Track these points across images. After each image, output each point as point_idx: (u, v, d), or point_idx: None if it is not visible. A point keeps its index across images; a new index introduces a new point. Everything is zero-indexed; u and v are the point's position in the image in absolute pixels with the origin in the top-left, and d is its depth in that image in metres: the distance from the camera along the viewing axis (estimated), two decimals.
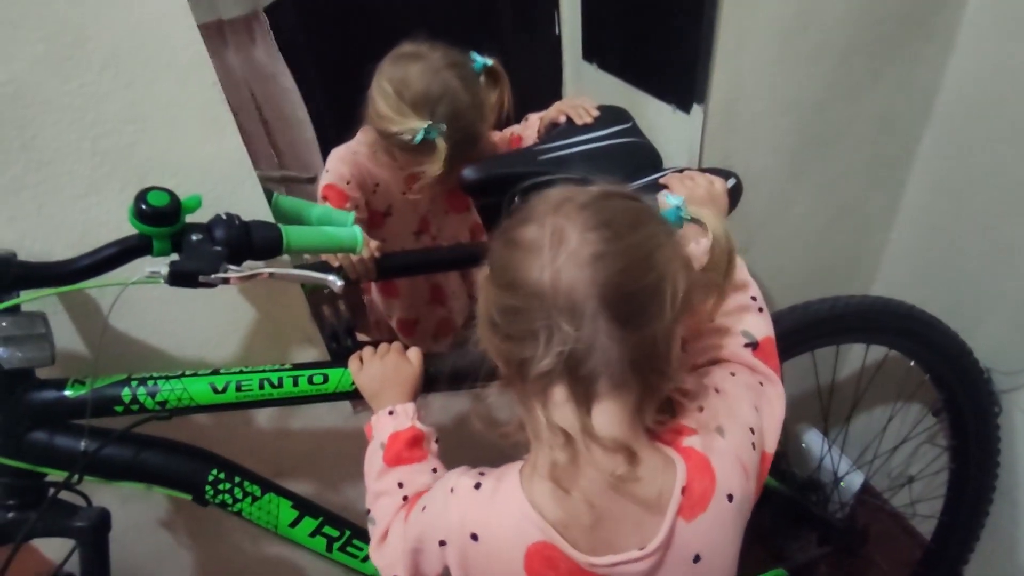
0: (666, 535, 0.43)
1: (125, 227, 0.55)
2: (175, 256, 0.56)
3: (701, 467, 0.46)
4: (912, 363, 0.97)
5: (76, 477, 0.60)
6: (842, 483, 1.19)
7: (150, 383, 0.61)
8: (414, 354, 0.67)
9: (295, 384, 0.64)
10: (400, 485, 0.56)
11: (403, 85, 0.76)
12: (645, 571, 0.44)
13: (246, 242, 0.58)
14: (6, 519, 0.59)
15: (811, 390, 1.14)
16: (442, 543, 0.48)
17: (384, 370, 0.65)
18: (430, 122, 0.74)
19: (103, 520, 0.63)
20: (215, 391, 0.62)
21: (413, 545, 0.50)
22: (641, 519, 0.44)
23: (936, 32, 0.88)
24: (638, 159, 0.84)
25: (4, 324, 0.52)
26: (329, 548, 0.71)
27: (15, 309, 0.54)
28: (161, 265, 0.53)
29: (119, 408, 0.60)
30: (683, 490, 0.44)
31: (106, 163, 0.58)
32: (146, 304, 0.66)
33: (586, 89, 1.05)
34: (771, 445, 0.52)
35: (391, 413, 0.61)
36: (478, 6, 1.07)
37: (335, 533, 0.71)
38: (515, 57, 0.97)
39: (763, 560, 1.00)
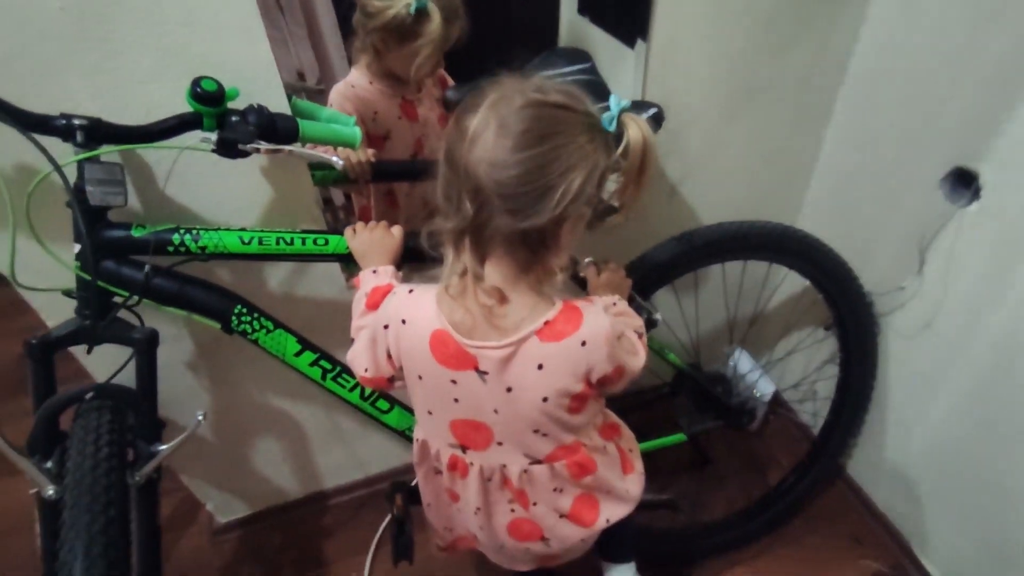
0: (517, 340, 0.62)
1: (178, 109, 0.73)
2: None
3: (572, 316, 0.64)
4: (808, 283, 1.18)
5: (136, 298, 0.80)
6: (755, 391, 1.42)
7: (194, 231, 0.80)
8: (397, 230, 0.86)
9: (303, 243, 0.83)
10: None
11: None
12: (501, 357, 0.63)
13: (271, 127, 0.76)
14: (83, 326, 0.79)
15: (729, 305, 1.36)
16: (385, 327, 0.68)
17: (372, 239, 0.84)
18: None
19: (154, 336, 0.84)
20: (242, 242, 0.81)
21: (369, 336, 0.71)
22: (500, 335, 0.63)
23: (842, 10, 1.04)
24: (593, 95, 1.02)
25: (93, 169, 0.70)
26: (323, 377, 0.91)
27: (98, 159, 0.72)
28: (210, 136, 0.71)
29: (170, 248, 0.79)
30: (546, 322, 0.63)
31: (166, 57, 0.75)
32: (190, 176, 0.85)
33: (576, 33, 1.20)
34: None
35: (375, 272, 0.80)
36: None
37: (328, 366, 0.92)
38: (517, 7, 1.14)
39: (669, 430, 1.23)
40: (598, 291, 0.86)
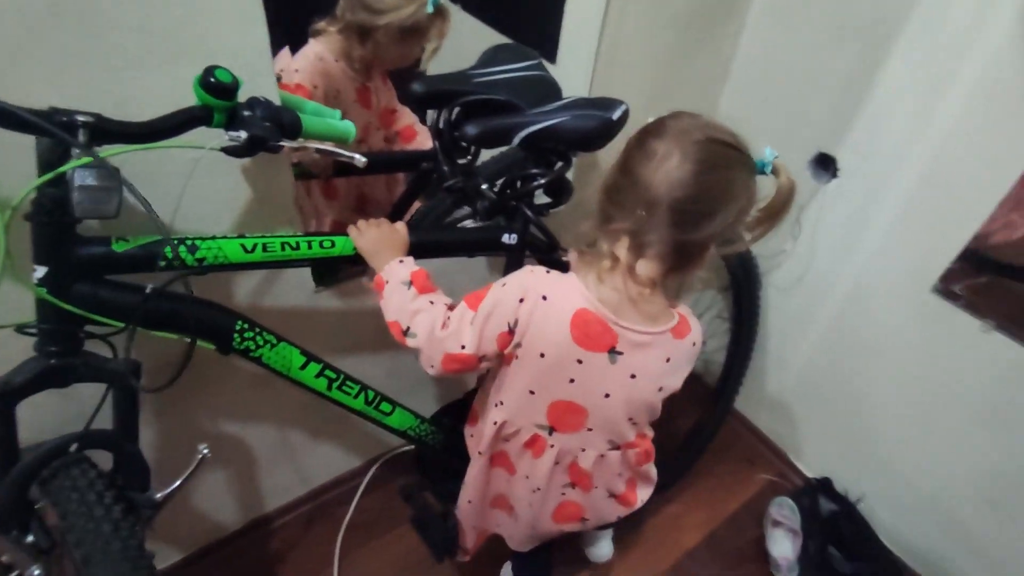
0: (659, 332, 0.72)
1: (159, 101, 0.64)
2: (221, 131, 0.66)
3: (685, 319, 0.76)
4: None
5: (122, 326, 0.68)
6: None
7: (188, 242, 0.70)
8: (401, 226, 0.85)
9: (309, 247, 0.78)
10: (432, 303, 0.76)
11: None
12: (639, 342, 0.72)
13: (278, 122, 0.70)
14: (49, 365, 0.65)
15: None
16: (521, 300, 0.71)
17: (380, 235, 0.82)
18: None
19: (137, 367, 0.72)
20: (245, 251, 0.73)
21: (486, 312, 0.72)
22: (644, 321, 0.71)
23: (733, 15, 1.25)
24: (544, 89, 1.07)
25: (85, 174, 0.58)
26: (329, 387, 0.86)
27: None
28: (239, 135, 0.64)
29: (162, 263, 0.69)
30: (674, 326, 0.73)
31: (150, 40, 0.65)
32: (160, 179, 0.73)
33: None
34: None
35: (401, 261, 0.79)
36: None
37: (333, 375, 0.87)
38: None
39: None
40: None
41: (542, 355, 0.72)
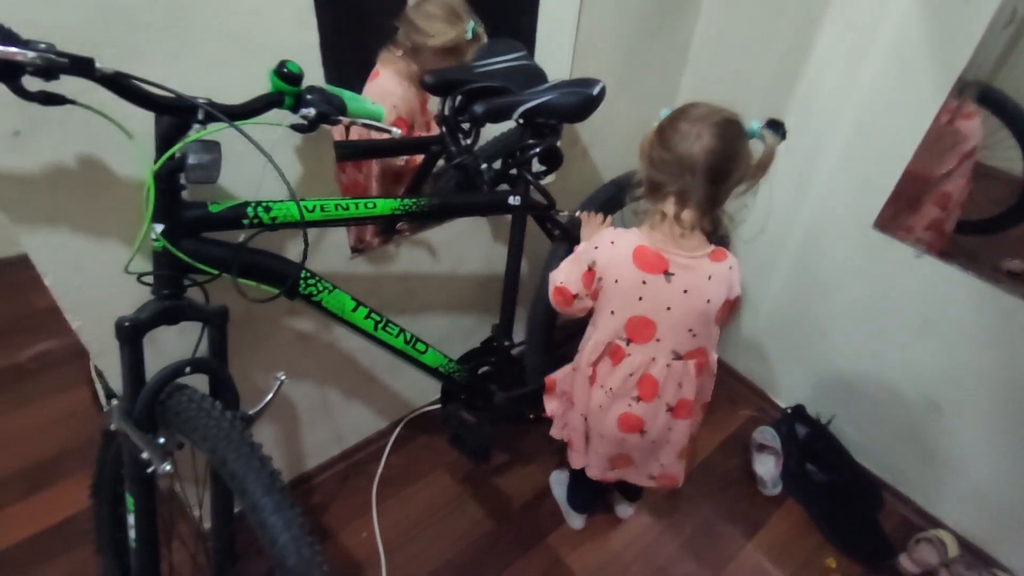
0: (699, 256, 0.95)
1: (239, 91, 0.81)
2: (286, 112, 0.84)
3: (721, 250, 0.98)
4: None
5: (216, 273, 0.84)
6: None
7: (264, 204, 0.87)
8: (606, 219, 1.16)
9: (356, 208, 0.95)
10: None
11: (443, 8, 1.15)
12: (685, 265, 0.95)
13: (332, 104, 0.88)
14: (164, 305, 0.82)
15: None
16: (596, 247, 0.99)
17: (595, 224, 1.15)
18: (472, 22, 1.16)
19: (226, 311, 0.89)
20: (307, 211, 0.91)
21: (574, 258, 1.04)
22: (687, 252, 0.95)
23: (689, 9, 1.46)
24: (532, 75, 1.26)
25: (195, 147, 0.75)
26: (375, 328, 1.04)
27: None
28: (309, 112, 0.81)
29: (245, 221, 0.85)
30: (711, 252, 0.96)
31: (232, 43, 0.82)
32: (231, 156, 0.90)
33: None
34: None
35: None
36: None
37: (378, 318, 1.04)
38: None
39: None
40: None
41: (616, 281, 0.97)
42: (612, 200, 1.34)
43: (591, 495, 1.39)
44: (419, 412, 1.64)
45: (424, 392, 1.63)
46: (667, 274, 0.95)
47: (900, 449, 1.51)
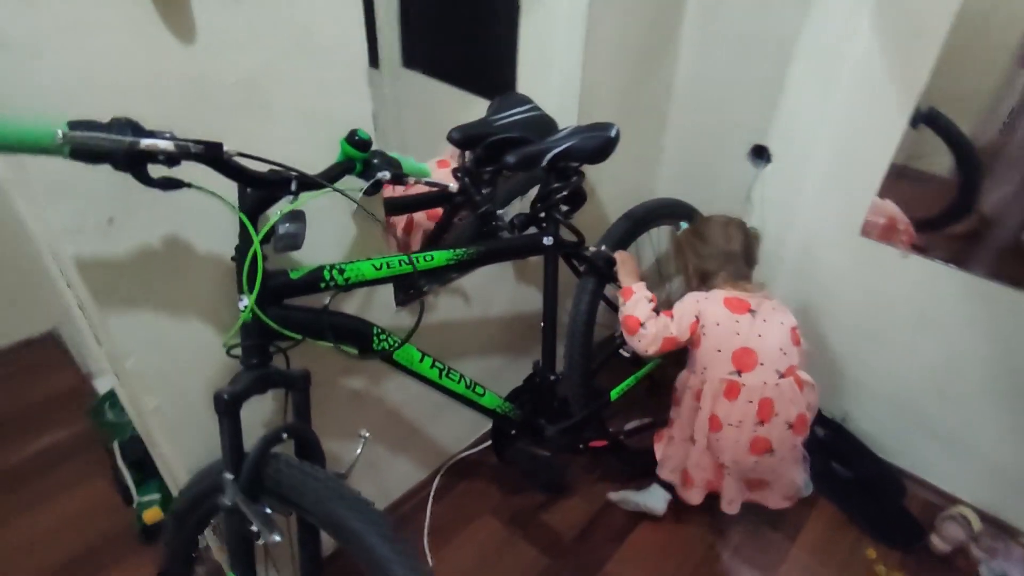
0: (763, 295, 1.28)
1: (305, 162, 0.86)
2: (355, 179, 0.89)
3: (769, 295, 1.31)
4: None
5: (299, 339, 0.87)
6: None
7: (337, 267, 0.91)
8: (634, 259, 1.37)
9: (417, 262, 1.00)
10: (656, 315, 1.28)
11: None
12: (758, 305, 1.27)
13: (393, 166, 0.93)
14: (255, 375, 0.83)
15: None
16: (697, 301, 1.28)
17: (632, 264, 1.36)
18: None
19: (308, 374, 0.90)
20: (375, 269, 0.95)
21: (680, 313, 1.28)
22: (745, 295, 1.25)
23: (669, 48, 1.60)
24: (545, 124, 1.36)
25: (285, 217, 0.79)
26: (440, 376, 1.07)
27: None
28: (384, 175, 0.86)
29: (322, 285, 0.89)
30: (765, 294, 1.29)
31: (302, 119, 0.87)
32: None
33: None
34: None
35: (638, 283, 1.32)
36: None
37: (441, 366, 1.08)
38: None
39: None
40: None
41: (717, 324, 1.26)
42: (628, 233, 1.43)
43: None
44: (457, 459, 1.65)
45: (459, 439, 1.64)
46: (750, 312, 1.27)
47: (914, 437, 1.62)
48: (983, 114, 1.32)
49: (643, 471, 1.57)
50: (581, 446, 1.37)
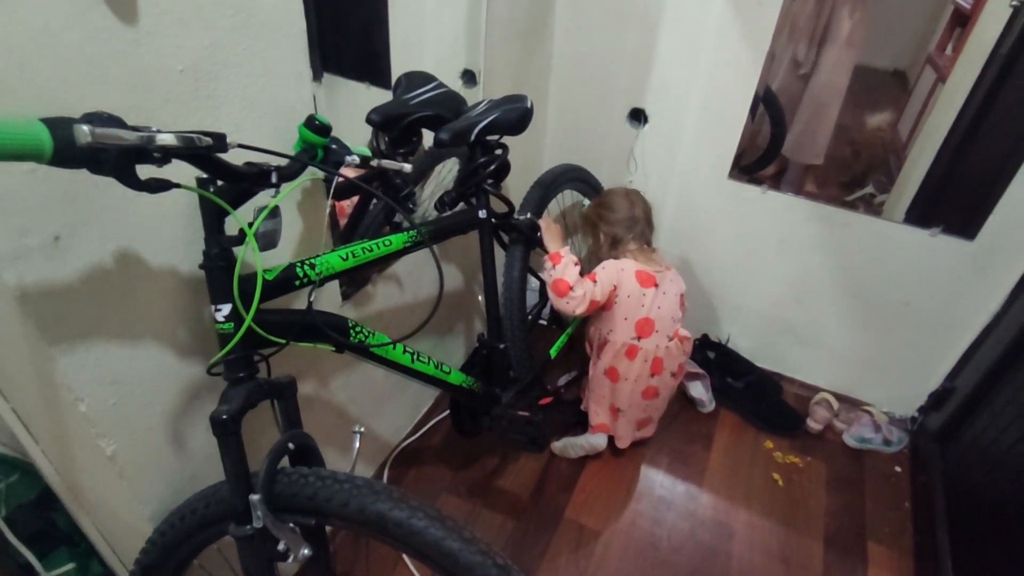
0: (665, 268, 1.35)
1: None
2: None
3: (668, 265, 1.49)
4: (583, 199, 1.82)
5: (284, 343, 0.81)
6: None
7: (307, 262, 0.85)
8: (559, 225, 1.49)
9: (379, 247, 0.97)
10: (582, 279, 1.40)
11: None
12: (662, 277, 1.46)
13: (351, 152, 0.89)
14: (245, 389, 0.76)
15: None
16: (617, 271, 1.44)
17: (558, 229, 1.46)
18: None
19: (294, 380, 0.85)
20: (343, 259, 0.91)
21: (603, 280, 1.42)
22: (657, 267, 1.32)
23: (547, 26, 1.68)
24: (456, 100, 1.36)
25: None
26: (412, 360, 1.06)
27: None
28: (354, 159, 0.82)
29: (296, 282, 0.83)
30: (667, 266, 1.34)
31: (248, 106, 0.79)
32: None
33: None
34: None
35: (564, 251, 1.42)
36: None
37: (412, 350, 1.06)
38: None
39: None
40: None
41: (628, 296, 1.43)
42: (543, 198, 1.50)
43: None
44: (400, 448, 1.63)
45: (399, 428, 1.63)
46: (655, 286, 1.45)
47: (782, 343, 1.94)
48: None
49: (580, 419, 1.69)
50: (531, 406, 1.44)
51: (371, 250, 0.96)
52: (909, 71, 1.74)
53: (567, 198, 1.85)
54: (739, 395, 1.88)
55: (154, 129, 0.55)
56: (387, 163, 0.93)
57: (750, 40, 1.54)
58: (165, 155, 0.54)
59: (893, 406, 1.87)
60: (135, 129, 0.54)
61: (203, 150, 0.56)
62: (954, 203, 1.57)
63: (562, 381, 1.77)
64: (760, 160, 1.78)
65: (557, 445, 1.65)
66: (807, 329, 1.87)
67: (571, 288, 1.37)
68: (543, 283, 1.67)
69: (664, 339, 1.48)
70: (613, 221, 1.52)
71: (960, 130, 1.49)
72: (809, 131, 1.74)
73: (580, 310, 1.40)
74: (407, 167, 0.98)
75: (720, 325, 2.00)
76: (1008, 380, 1.48)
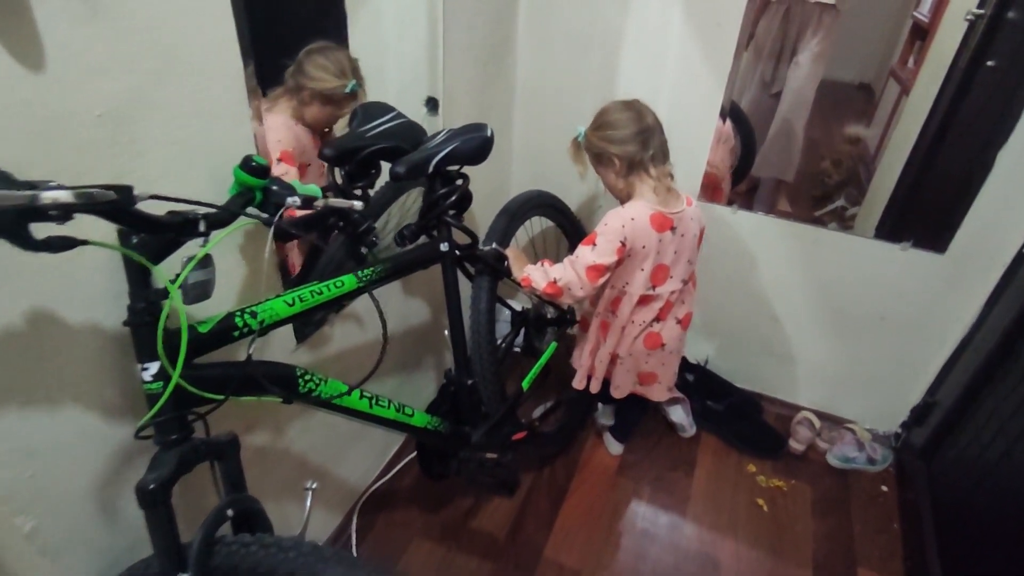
0: (683, 206, 1.32)
1: (197, 193, 0.75)
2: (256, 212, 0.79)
3: (689, 200, 1.35)
4: (554, 224, 1.79)
5: (221, 400, 0.75)
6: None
7: (248, 310, 0.80)
8: (520, 252, 1.42)
9: (328, 290, 0.92)
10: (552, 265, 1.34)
11: (334, 63, 1.14)
12: (680, 217, 1.31)
13: (293, 192, 0.85)
14: (178, 453, 0.70)
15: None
16: (622, 225, 1.25)
17: (523, 257, 1.39)
18: (354, 81, 1.15)
19: (235, 438, 0.79)
20: (288, 305, 0.85)
21: (604, 240, 1.27)
22: (676, 203, 1.27)
23: (508, 53, 1.66)
24: (416, 131, 1.32)
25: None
26: (370, 405, 1.00)
27: None
28: (295, 199, 0.78)
29: (236, 334, 0.78)
30: (686, 200, 1.33)
31: (178, 150, 0.74)
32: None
33: None
34: None
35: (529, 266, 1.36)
36: None
37: (369, 395, 1.01)
38: None
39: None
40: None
41: (643, 246, 1.29)
42: (509, 227, 1.47)
43: (629, 427, 1.76)
44: (369, 493, 1.55)
45: (367, 472, 1.56)
46: (672, 229, 1.30)
47: (759, 362, 1.91)
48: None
49: (562, 449, 1.64)
50: (513, 439, 1.38)
51: (320, 293, 0.91)
52: (874, 84, 1.75)
53: (536, 225, 1.82)
54: (720, 418, 1.84)
55: (52, 184, 0.50)
56: (335, 201, 0.89)
57: (712, 61, 1.53)
58: (66, 212, 0.50)
59: (876, 422, 1.85)
60: (29, 185, 0.49)
61: (105, 206, 0.51)
62: (923, 217, 1.56)
63: (537, 413, 1.72)
64: (732, 178, 1.77)
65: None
66: (785, 347, 1.85)
67: (557, 281, 1.30)
68: (515, 313, 1.63)
69: (679, 283, 1.37)
70: (621, 140, 1.25)
71: (925, 143, 1.49)
72: (779, 148, 1.74)
73: (586, 289, 1.29)
74: (358, 204, 0.94)
75: (699, 346, 1.97)
76: (988, 392, 1.46)
